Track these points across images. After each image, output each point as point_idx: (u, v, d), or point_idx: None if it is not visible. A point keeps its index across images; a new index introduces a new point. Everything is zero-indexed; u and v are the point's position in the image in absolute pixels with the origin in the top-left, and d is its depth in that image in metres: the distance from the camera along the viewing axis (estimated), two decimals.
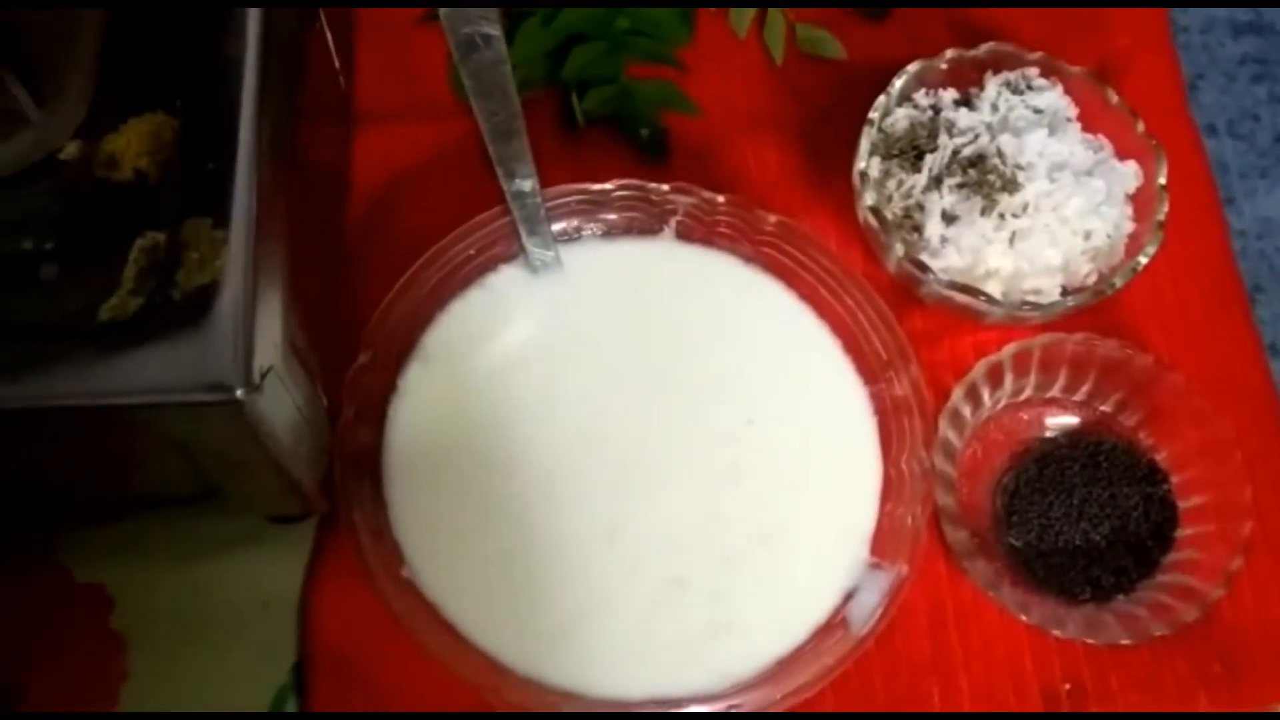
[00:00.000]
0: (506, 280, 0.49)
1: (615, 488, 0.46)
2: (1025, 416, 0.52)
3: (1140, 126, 0.52)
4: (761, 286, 0.50)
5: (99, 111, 0.39)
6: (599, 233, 0.51)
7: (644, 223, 0.51)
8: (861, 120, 0.53)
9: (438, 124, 0.54)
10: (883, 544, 0.46)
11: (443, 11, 0.48)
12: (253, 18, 0.40)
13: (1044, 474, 0.50)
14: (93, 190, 0.38)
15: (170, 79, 0.40)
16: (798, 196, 0.55)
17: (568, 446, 0.47)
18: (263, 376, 0.36)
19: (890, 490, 0.46)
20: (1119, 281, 0.50)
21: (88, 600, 0.50)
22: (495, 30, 0.48)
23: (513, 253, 0.50)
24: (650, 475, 0.47)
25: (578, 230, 0.51)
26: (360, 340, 0.48)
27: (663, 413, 0.48)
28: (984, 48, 0.55)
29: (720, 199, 0.50)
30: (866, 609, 0.44)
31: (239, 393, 0.35)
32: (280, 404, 0.38)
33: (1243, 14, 1.26)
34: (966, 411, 0.50)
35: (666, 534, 0.46)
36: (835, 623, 0.44)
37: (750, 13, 0.59)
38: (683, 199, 0.50)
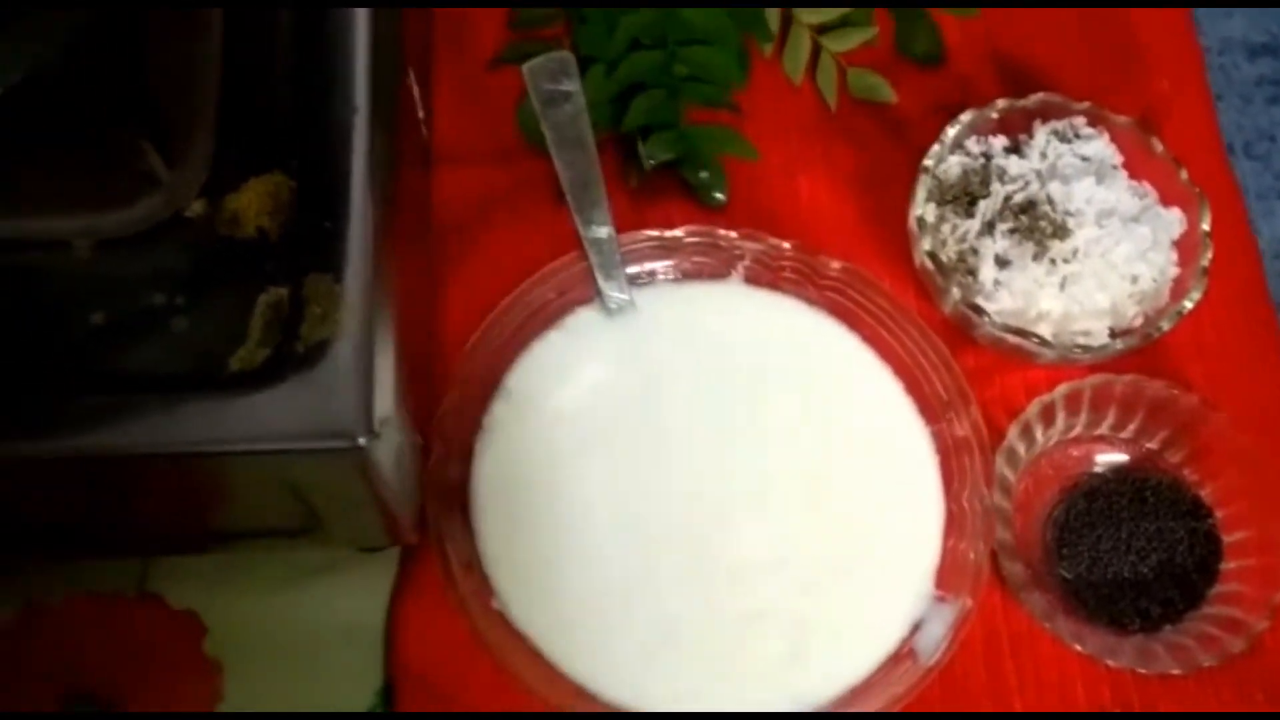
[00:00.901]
0: (584, 322, 0.52)
1: (696, 521, 0.49)
2: (1075, 453, 0.54)
3: (1184, 175, 0.55)
4: (826, 329, 0.52)
5: (221, 172, 0.41)
6: (670, 277, 0.53)
7: (713, 267, 0.53)
8: (910, 163, 0.55)
9: (512, 167, 0.56)
10: (947, 578, 0.48)
11: (526, 68, 0.51)
12: (360, 76, 0.43)
13: (1093, 508, 0.53)
14: (218, 247, 0.41)
15: (286, 140, 0.42)
16: (852, 239, 0.58)
17: (648, 481, 0.50)
18: (381, 424, 0.39)
19: (953, 526, 0.49)
20: (1165, 325, 0.52)
21: (182, 626, 0.53)
22: (576, 86, 0.50)
23: (589, 296, 0.52)
24: (728, 509, 0.49)
25: (650, 274, 0.53)
26: (446, 380, 0.50)
27: (736, 449, 0.50)
28: (1034, 98, 0.57)
29: (786, 245, 0.53)
30: (933, 640, 0.47)
31: (361, 440, 0.38)
32: (391, 447, 0.41)
33: (1258, 35, 1.28)
34: (1021, 449, 0.52)
35: (745, 566, 0.48)
36: (904, 653, 0.47)
37: (804, 58, 0.61)
38: (750, 245, 0.53)
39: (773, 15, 0.61)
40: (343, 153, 0.42)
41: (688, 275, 0.53)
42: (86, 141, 0.39)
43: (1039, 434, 0.53)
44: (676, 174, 0.58)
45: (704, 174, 0.57)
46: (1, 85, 0.35)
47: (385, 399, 0.39)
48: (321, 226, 0.41)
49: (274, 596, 0.53)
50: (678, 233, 0.53)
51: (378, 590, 0.53)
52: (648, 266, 0.53)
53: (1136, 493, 0.53)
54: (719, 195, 0.57)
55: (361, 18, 0.44)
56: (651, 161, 0.55)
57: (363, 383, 0.39)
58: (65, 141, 0.39)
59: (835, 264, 0.52)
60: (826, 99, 0.61)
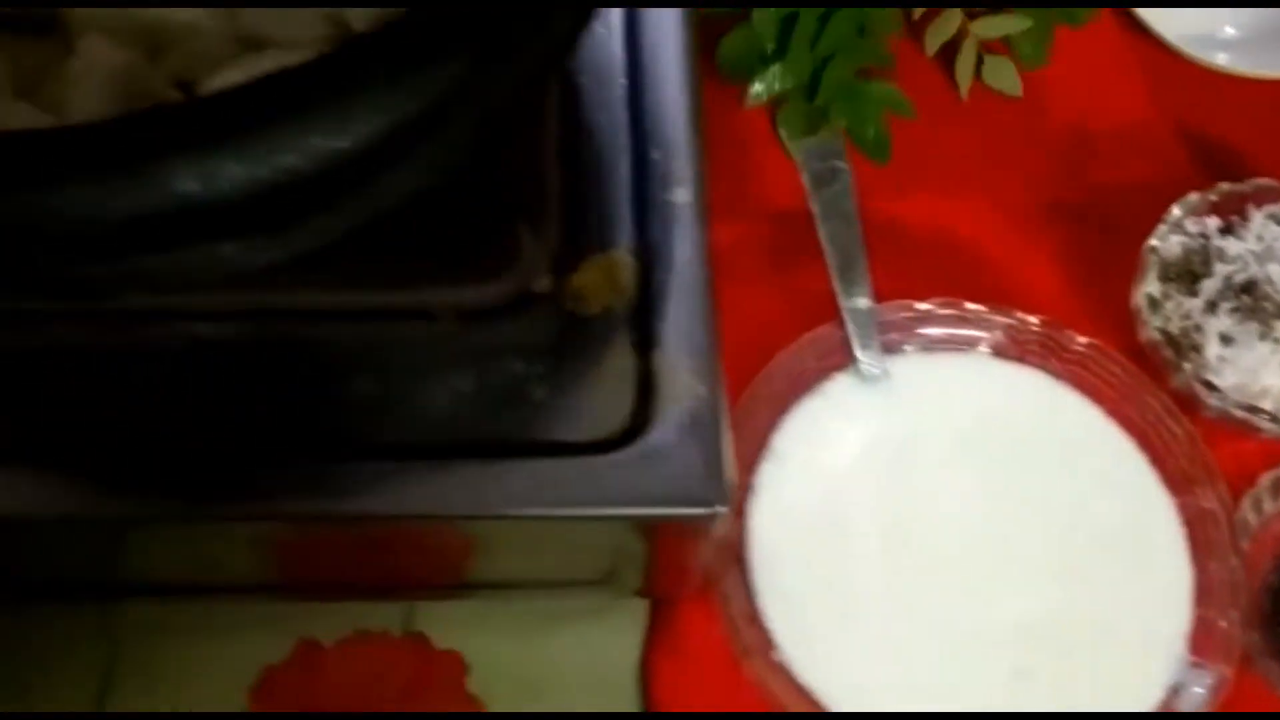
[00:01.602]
0: (841, 388, 0.55)
1: (954, 584, 0.52)
2: None
3: None
4: (1071, 401, 0.55)
5: (566, 250, 0.44)
6: (919, 347, 0.56)
7: (961, 339, 0.56)
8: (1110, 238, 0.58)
9: (776, 226, 0.59)
10: (1200, 644, 0.51)
11: (799, 147, 0.54)
12: (685, 149, 0.46)
13: None
14: (567, 321, 0.44)
15: (623, 217, 0.45)
16: (1072, 308, 0.60)
17: (908, 544, 0.52)
18: (730, 489, 0.42)
19: (1203, 594, 0.52)
20: None
21: (445, 665, 0.56)
22: (845, 164, 0.54)
23: (845, 363, 0.55)
24: (985, 574, 0.52)
25: (900, 344, 0.56)
26: None
27: (990, 516, 0.53)
28: (1250, 183, 0.60)
29: (1032, 320, 0.56)
30: (1191, 705, 0.49)
31: (719, 508, 0.41)
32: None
33: None
34: (1252, 519, 0.55)
35: (1011, 628, 0.51)
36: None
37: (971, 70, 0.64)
38: (998, 318, 0.56)
39: None
40: (678, 229, 0.45)
41: (937, 346, 0.56)
42: (456, 222, 0.42)
43: (1267, 504, 0.56)
44: None
45: (871, 130, 0.59)
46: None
47: (730, 466, 0.42)
48: (663, 300, 0.44)
49: (533, 638, 0.56)
50: (928, 305, 0.56)
51: (632, 636, 0.55)
52: (897, 336, 0.56)
53: None
54: (883, 155, 0.59)
55: (682, 91, 0.47)
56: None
57: (715, 451, 0.42)
58: (436, 221, 0.42)
59: (1080, 339, 0.55)
60: (961, 87, 0.64)
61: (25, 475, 0.42)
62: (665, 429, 0.42)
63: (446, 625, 0.56)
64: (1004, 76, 0.64)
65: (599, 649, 0.56)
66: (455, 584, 0.53)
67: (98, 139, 0.28)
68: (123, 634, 0.55)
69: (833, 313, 0.56)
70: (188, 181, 0.29)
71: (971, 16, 0.63)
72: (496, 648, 0.56)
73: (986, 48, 0.64)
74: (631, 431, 0.42)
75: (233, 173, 0.29)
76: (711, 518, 0.41)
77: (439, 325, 0.43)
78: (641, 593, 0.52)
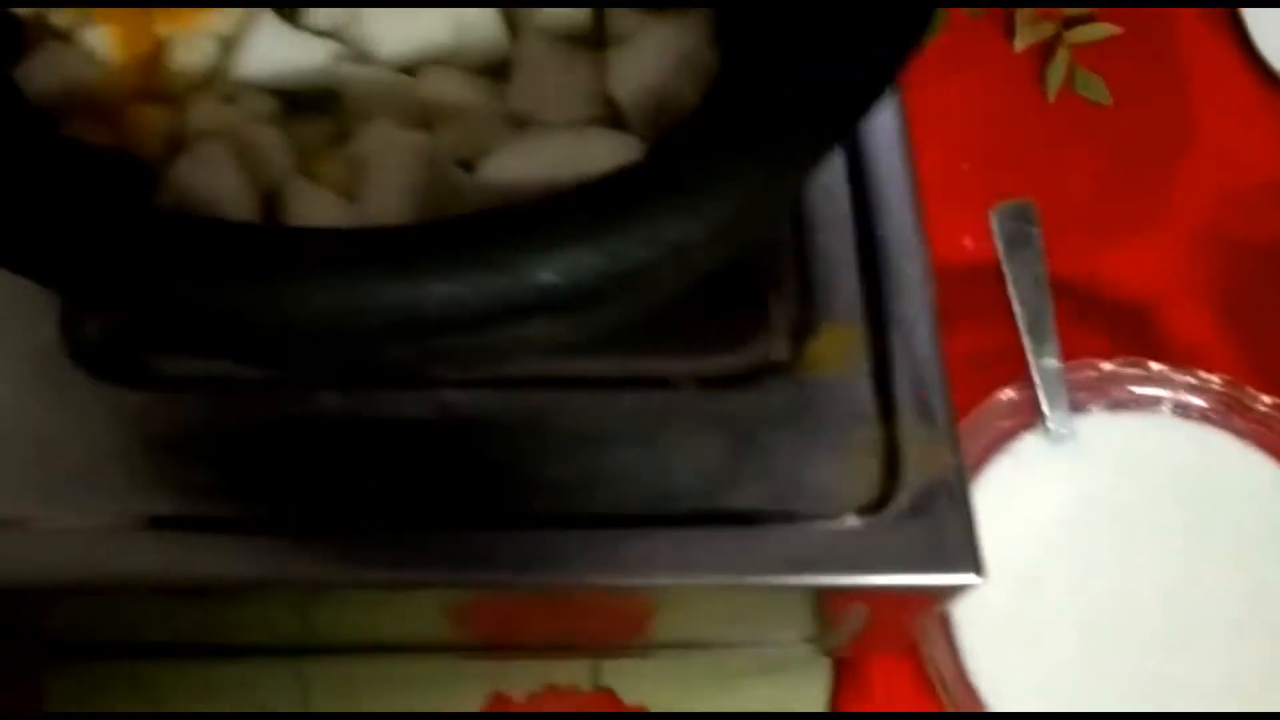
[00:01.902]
0: (1029, 447, 0.55)
1: (1153, 642, 0.52)
2: None
3: None
4: (1257, 461, 0.56)
5: (801, 319, 0.45)
6: (1105, 407, 0.57)
7: (1145, 399, 0.57)
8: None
9: (965, 285, 0.59)
10: None
11: (994, 212, 0.55)
12: (909, 217, 0.47)
13: None
14: (806, 390, 0.44)
15: (855, 288, 0.46)
16: (1254, 365, 0.61)
17: (1105, 600, 0.53)
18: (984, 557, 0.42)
19: None
20: None
21: None
22: (1037, 230, 0.54)
23: (1033, 422, 0.56)
24: (1182, 633, 0.52)
25: (1086, 404, 0.57)
26: None
27: (1184, 575, 0.54)
28: None
29: (1215, 380, 0.56)
30: None
31: (977, 578, 0.41)
32: None
33: None
34: None
35: (1207, 688, 0.51)
36: None
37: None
38: (1180, 377, 0.57)
39: None
40: (909, 297, 0.46)
41: (1122, 405, 0.57)
42: (702, 291, 0.43)
43: None
44: None
45: None
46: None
47: (980, 533, 0.43)
48: (900, 368, 0.44)
49: (719, 693, 0.56)
50: (1112, 365, 0.56)
51: (818, 688, 0.56)
52: (1083, 396, 0.56)
53: None
54: None
55: (899, 158, 0.48)
56: None
57: (967, 518, 0.42)
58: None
59: (1265, 399, 0.56)
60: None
61: (262, 541, 0.43)
62: (915, 497, 0.42)
63: (634, 680, 0.57)
64: (1095, 89, 0.66)
65: (786, 703, 0.56)
66: (649, 644, 0.54)
67: (473, 235, 0.29)
68: (315, 688, 0.55)
69: (1019, 371, 0.56)
70: (550, 274, 0.29)
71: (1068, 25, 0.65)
72: (684, 702, 0.56)
73: (1077, 58, 0.66)
74: (880, 500, 0.42)
75: (593, 263, 0.29)
76: (965, 587, 0.42)
77: (679, 394, 0.44)
78: (839, 652, 0.53)
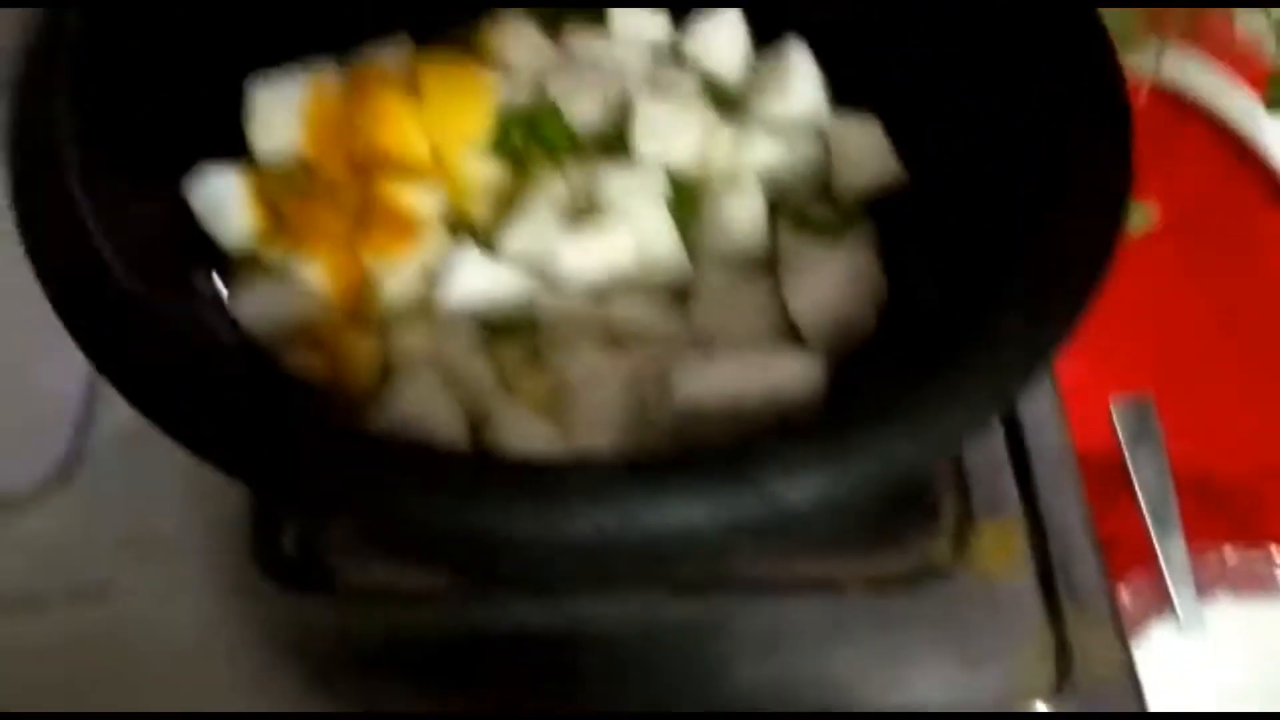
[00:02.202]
0: (1160, 638, 0.57)
1: None
2: None
3: None
4: None
5: (962, 519, 0.47)
6: (1231, 594, 0.58)
7: (1271, 584, 0.58)
8: None
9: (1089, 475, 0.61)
10: None
11: (1115, 408, 0.57)
12: (1057, 430, 0.49)
13: None
14: (970, 591, 0.46)
15: (1011, 486, 0.48)
16: None
17: None
18: None
19: None
20: None
21: None
22: (1156, 423, 0.56)
23: (1161, 611, 0.57)
24: None
25: (1212, 591, 0.58)
26: None
27: None
28: None
29: None
30: None
31: None
32: None
33: None
34: None
35: None
36: None
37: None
38: None
39: None
40: (1063, 495, 0.47)
41: (1247, 593, 0.58)
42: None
43: None
44: None
45: None
46: None
47: None
48: (1061, 565, 0.46)
49: None
50: (1237, 552, 0.58)
51: None
52: (1211, 583, 0.58)
53: None
54: None
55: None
56: None
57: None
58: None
59: None
60: None
61: None
62: (1085, 696, 0.43)
63: None
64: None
65: None
66: None
67: (724, 460, 0.31)
68: None
69: (1140, 556, 0.58)
70: (797, 494, 0.31)
71: None
72: None
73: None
74: (1051, 698, 0.43)
75: (834, 485, 0.32)
76: None
77: (846, 597, 0.46)
78: None
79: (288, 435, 0.33)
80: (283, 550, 0.45)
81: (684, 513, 0.31)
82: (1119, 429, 0.58)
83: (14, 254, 0.35)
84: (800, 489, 0.32)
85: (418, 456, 0.32)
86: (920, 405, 0.33)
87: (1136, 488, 0.57)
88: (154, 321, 0.34)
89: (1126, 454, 0.57)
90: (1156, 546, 0.57)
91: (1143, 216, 0.71)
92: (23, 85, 0.38)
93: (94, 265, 0.35)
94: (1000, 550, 0.47)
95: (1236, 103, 0.74)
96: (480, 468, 0.32)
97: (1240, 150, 0.75)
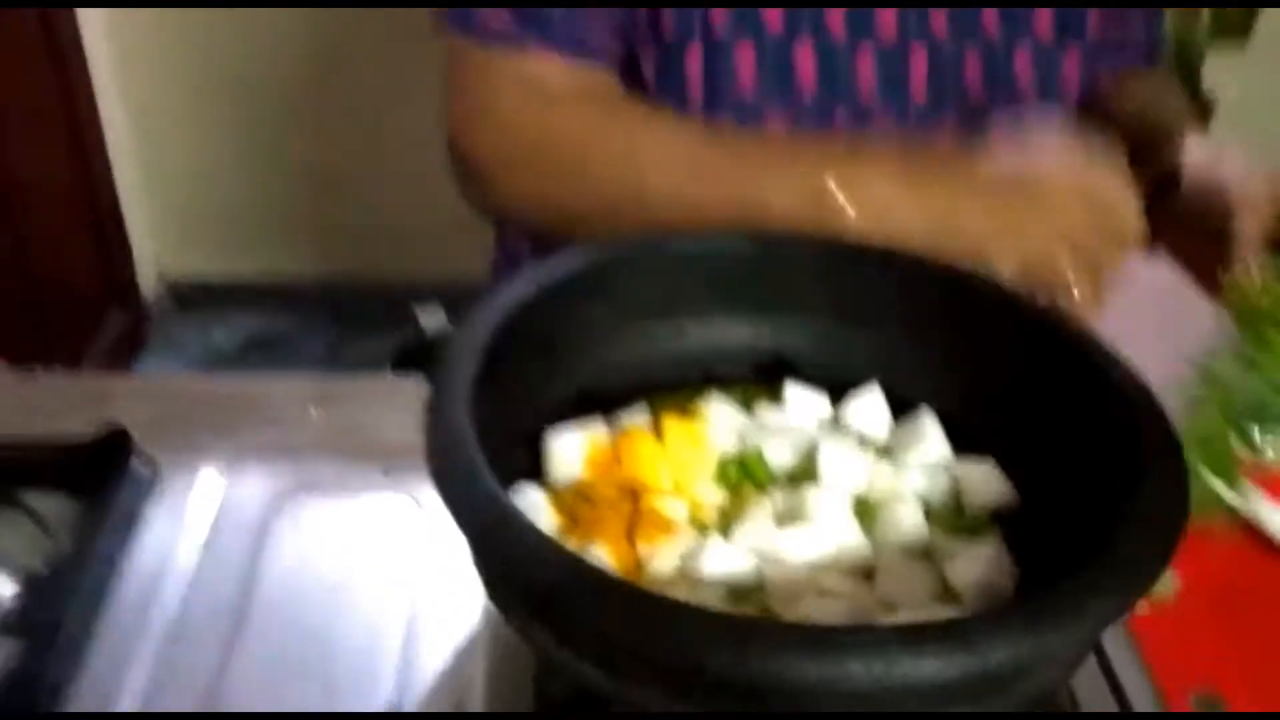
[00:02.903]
0: None
1: None
2: None
3: None
4: None
5: None
6: None
7: None
8: None
9: None
10: None
11: (1194, 703, 0.71)
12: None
13: None
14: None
15: None
16: None
17: None
18: None
19: None
20: None
21: None
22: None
23: None
24: None
25: None
26: None
27: None
28: None
29: None
30: None
31: None
32: None
33: None
34: None
35: None
36: None
37: None
38: None
39: None
40: None
41: None
42: None
43: None
44: None
45: None
46: None
47: None
48: None
49: None
50: None
51: None
52: None
53: None
54: None
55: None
56: None
57: None
58: None
59: None
60: None
61: None
62: None
63: None
64: None
65: None
66: None
67: (958, 631, 0.47)
68: None
69: None
70: (1000, 655, 0.47)
71: None
72: None
73: None
74: None
75: (1024, 653, 0.47)
76: None
77: None
78: None
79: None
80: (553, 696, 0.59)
81: (931, 666, 0.47)
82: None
83: None
84: (1001, 650, 0.47)
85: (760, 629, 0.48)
86: (1071, 603, 0.49)
87: None
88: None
89: None
90: None
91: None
92: (437, 411, 0.57)
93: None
94: None
95: None
96: (788, 629, 0.48)
97: None
